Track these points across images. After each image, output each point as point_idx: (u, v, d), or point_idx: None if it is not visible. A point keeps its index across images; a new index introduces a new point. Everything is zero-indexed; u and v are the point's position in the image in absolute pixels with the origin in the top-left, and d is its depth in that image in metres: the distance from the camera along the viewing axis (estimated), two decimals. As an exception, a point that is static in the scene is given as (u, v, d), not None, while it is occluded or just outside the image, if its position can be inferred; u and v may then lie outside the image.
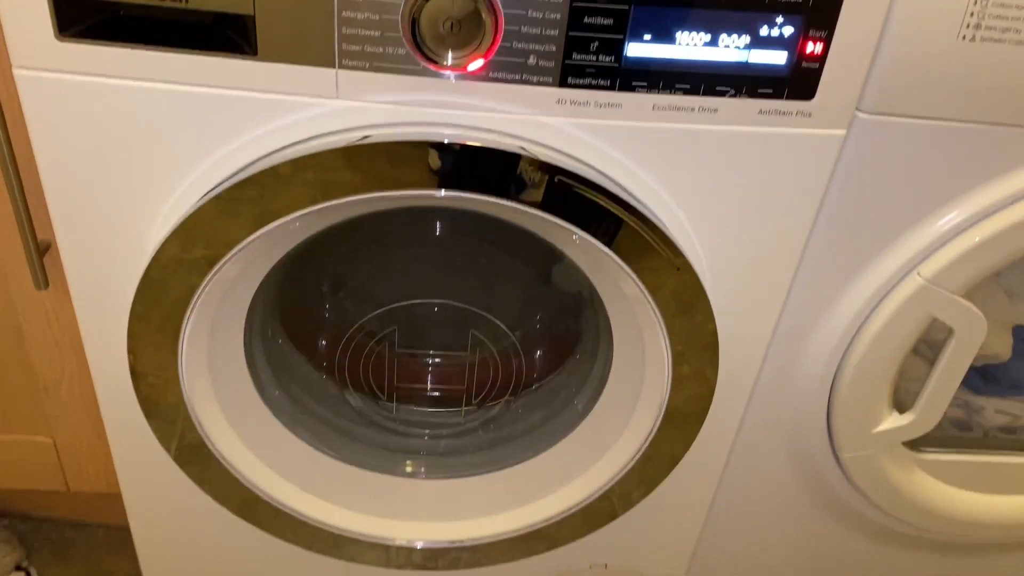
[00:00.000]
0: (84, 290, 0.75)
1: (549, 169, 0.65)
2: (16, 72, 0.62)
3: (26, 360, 0.92)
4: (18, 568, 1.14)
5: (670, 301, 0.72)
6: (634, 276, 0.70)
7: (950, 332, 0.78)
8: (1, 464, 1.02)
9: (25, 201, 0.77)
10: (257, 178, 0.64)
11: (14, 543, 1.14)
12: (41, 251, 0.81)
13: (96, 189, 0.68)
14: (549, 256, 0.85)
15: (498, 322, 0.89)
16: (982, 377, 0.98)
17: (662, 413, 0.79)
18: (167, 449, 0.81)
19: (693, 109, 0.64)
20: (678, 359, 0.76)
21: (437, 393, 0.94)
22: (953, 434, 0.96)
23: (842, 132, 0.67)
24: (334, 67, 0.61)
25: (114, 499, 0.94)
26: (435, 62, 0.61)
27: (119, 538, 1.20)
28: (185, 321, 0.72)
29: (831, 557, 1.03)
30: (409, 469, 0.90)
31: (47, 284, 0.82)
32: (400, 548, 0.89)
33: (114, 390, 0.82)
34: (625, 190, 0.68)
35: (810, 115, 0.65)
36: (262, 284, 0.78)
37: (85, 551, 1.19)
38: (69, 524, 1.22)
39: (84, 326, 0.77)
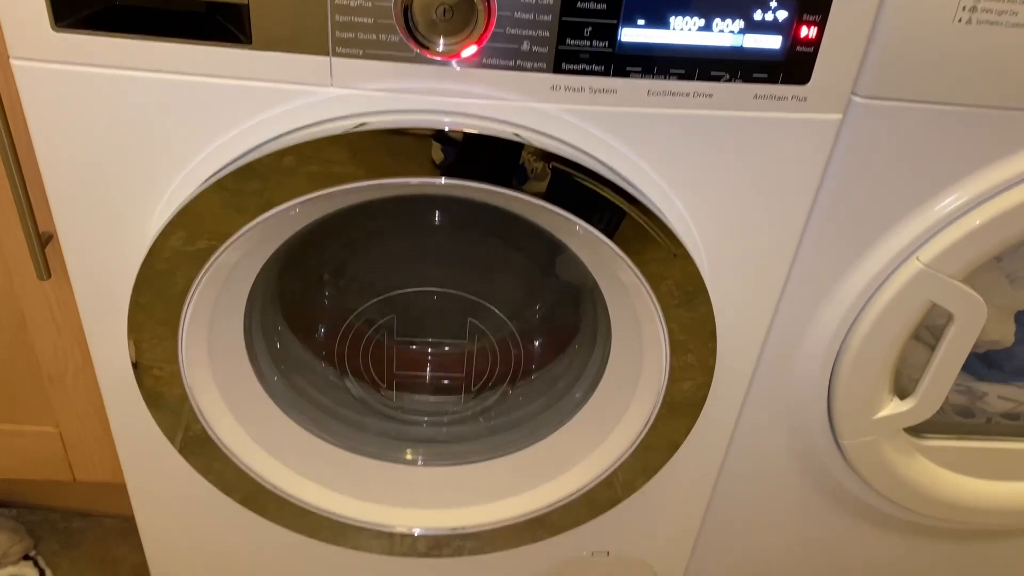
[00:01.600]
0: (85, 281, 0.75)
1: (546, 156, 0.65)
2: (13, 63, 0.63)
3: (31, 350, 0.93)
4: (26, 557, 1.15)
5: (667, 289, 0.72)
6: (630, 263, 0.70)
7: (950, 317, 0.78)
8: (7, 454, 1.03)
9: (26, 192, 0.77)
10: (254, 166, 0.64)
11: (22, 533, 1.15)
12: (43, 242, 0.81)
13: (95, 179, 0.69)
14: (549, 247, 0.85)
15: (497, 311, 0.89)
16: (984, 363, 0.98)
17: (660, 401, 0.79)
18: (172, 441, 0.82)
19: (688, 94, 0.64)
20: (676, 347, 0.76)
21: (436, 382, 0.94)
22: (955, 420, 0.95)
23: (838, 116, 0.66)
24: (328, 55, 0.61)
25: (120, 489, 0.95)
26: (428, 49, 0.61)
27: (126, 528, 1.21)
28: (184, 311, 0.72)
29: (833, 544, 1.03)
30: (410, 457, 0.91)
31: (49, 274, 0.83)
32: (404, 536, 0.89)
33: (117, 382, 0.82)
34: (622, 177, 0.68)
35: (805, 99, 0.65)
36: (261, 274, 0.78)
37: (92, 541, 1.20)
38: (76, 514, 1.23)
39: (86, 317, 0.78)
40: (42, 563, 1.15)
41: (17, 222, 0.82)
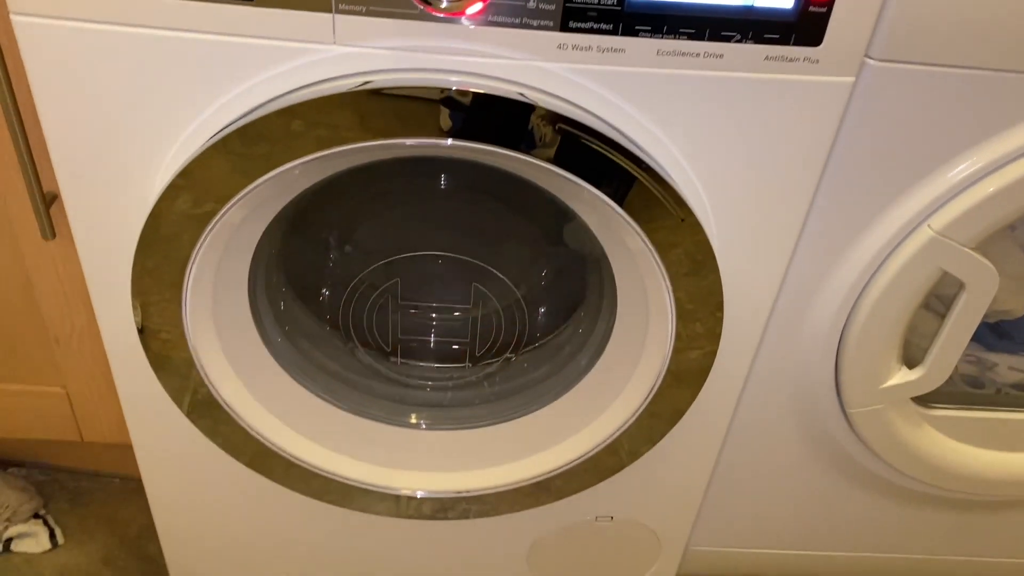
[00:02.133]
0: (89, 242, 0.75)
1: (554, 118, 0.64)
2: (14, 19, 0.62)
3: (37, 311, 0.93)
4: (36, 516, 1.16)
5: (676, 257, 0.72)
6: (639, 230, 0.69)
7: (961, 286, 0.77)
8: (16, 414, 1.04)
9: (30, 151, 0.77)
10: (255, 126, 0.64)
11: (32, 492, 1.17)
12: (48, 202, 0.81)
13: (97, 138, 0.68)
14: (557, 214, 0.84)
15: (502, 277, 0.89)
16: (996, 333, 0.97)
17: (665, 368, 0.79)
18: (179, 405, 0.82)
19: (698, 55, 0.63)
20: (683, 315, 0.75)
21: (441, 347, 0.94)
22: (964, 391, 0.95)
23: (851, 79, 0.65)
24: (331, 11, 0.60)
25: (129, 450, 0.95)
26: (433, 5, 0.60)
27: (134, 488, 1.22)
28: (187, 273, 0.72)
29: (837, 512, 1.03)
30: (415, 420, 0.91)
31: (54, 234, 0.83)
32: (410, 499, 0.89)
33: (123, 345, 0.82)
34: (632, 141, 0.67)
35: (818, 61, 0.64)
36: (265, 238, 0.78)
37: (101, 501, 1.21)
38: (85, 474, 1.24)
39: (90, 278, 0.78)
40: (51, 521, 1.16)
41: (22, 182, 0.82)
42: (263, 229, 0.76)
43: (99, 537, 1.16)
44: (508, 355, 0.94)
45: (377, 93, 0.63)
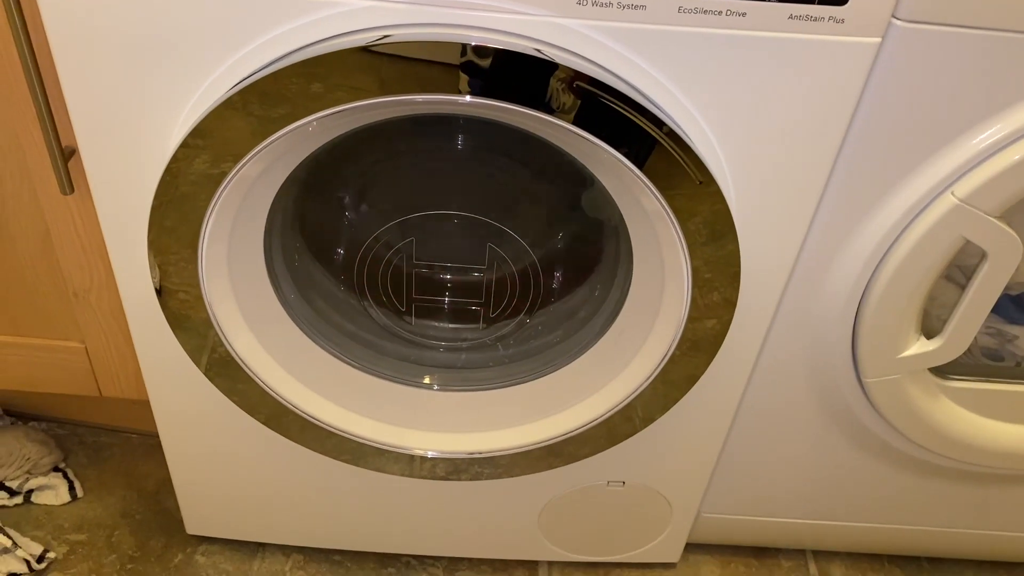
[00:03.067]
0: (107, 196, 0.75)
1: (573, 76, 0.63)
2: (32, -31, 0.62)
3: (56, 266, 0.94)
4: (56, 469, 1.18)
5: (695, 226, 0.71)
6: (658, 195, 0.69)
7: (983, 255, 0.76)
8: (35, 367, 1.05)
9: (48, 105, 0.77)
10: (272, 80, 0.63)
11: (51, 446, 1.18)
12: (66, 156, 0.81)
13: (115, 92, 0.68)
14: (575, 178, 0.84)
15: (518, 238, 0.88)
16: (1017, 306, 0.95)
17: (680, 334, 0.78)
18: (197, 363, 0.83)
19: (720, 12, 0.62)
20: (698, 282, 0.75)
21: (455, 308, 0.94)
22: (983, 363, 0.94)
23: (877, 40, 0.64)
24: (348, -36, 0.60)
25: (147, 406, 0.96)
26: (451, -41, 0.59)
27: (152, 444, 1.23)
28: (203, 232, 0.72)
29: (851, 482, 1.03)
30: (428, 381, 0.91)
31: (72, 189, 0.83)
32: (423, 460, 0.90)
33: (141, 303, 0.83)
34: (649, 99, 0.66)
35: (843, 21, 0.62)
36: (280, 197, 0.77)
37: (119, 456, 1.23)
38: (104, 429, 1.25)
39: (108, 233, 0.78)
40: (71, 475, 1.18)
41: (41, 136, 0.82)
42: (278, 188, 0.76)
43: (117, 491, 1.18)
44: (522, 317, 0.94)
45: (394, 48, 0.62)
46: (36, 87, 0.76)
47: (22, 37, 0.73)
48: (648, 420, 0.87)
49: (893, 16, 0.63)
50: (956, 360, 0.85)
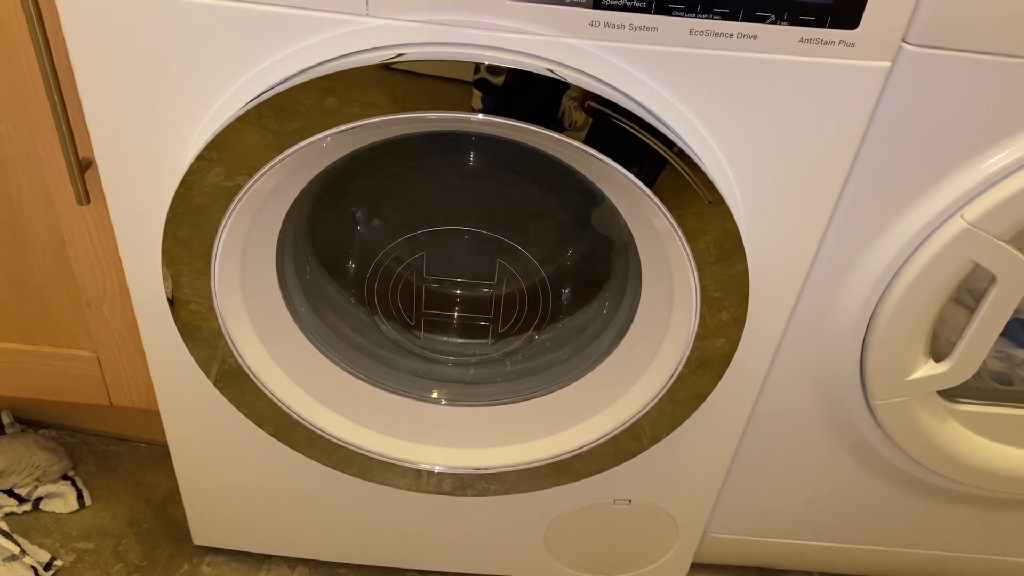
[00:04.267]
0: (122, 208, 0.76)
1: (585, 96, 0.64)
2: (54, -18, 0.63)
3: (70, 274, 0.95)
4: (64, 477, 1.19)
5: (704, 245, 0.71)
6: (668, 215, 0.69)
7: (992, 279, 0.76)
8: (47, 375, 1.06)
9: (67, 115, 0.78)
10: (287, 95, 0.64)
11: (61, 453, 1.19)
12: (83, 167, 0.82)
13: (133, 105, 0.69)
14: (585, 196, 0.84)
15: (528, 254, 0.89)
16: (1027, 330, 0.95)
17: (688, 353, 0.78)
18: (207, 374, 0.83)
19: (731, 35, 0.62)
20: (707, 301, 0.75)
21: (464, 323, 0.95)
22: (991, 386, 0.93)
23: (887, 64, 0.64)
24: (365, -18, 0.61)
25: (157, 416, 0.97)
26: (466, -21, 0.60)
27: (161, 454, 1.24)
28: (216, 244, 0.73)
29: (858, 505, 1.02)
30: (436, 395, 0.91)
31: (88, 199, 0.84)
32: (430, 475, 0.90)
33: (153, 313, 0.83)
34: (660, 120, 0.66)
35: (853, 45, 0.63)
36: (293, 211, 0.78)
37: (128, 465, 1.23)
38: (114, 438, 1.26)
39: (122, 244, 0.79)
40: (79, 483, 1.19)
41: (59, 147, 0.83)
42: (291, 202, 0.77)
43: (125, 500, 1.19)
44: (531, 333, 0.94)
45: (409, 66, 0.63)
46: (55, 99, 0.77)
47: (43, 50, 0.74)
48: (655, 438, 0.87)
49: (903, 40, 0.63)
50: (965, 383, 0.84)
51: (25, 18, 0.73)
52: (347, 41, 0.64)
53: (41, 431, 1.23)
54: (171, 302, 0.78)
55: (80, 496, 1.17)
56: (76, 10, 0.64)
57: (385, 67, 0.63)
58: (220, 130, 0.66)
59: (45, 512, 1.16)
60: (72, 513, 1.16)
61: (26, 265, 0.95)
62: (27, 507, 1.15)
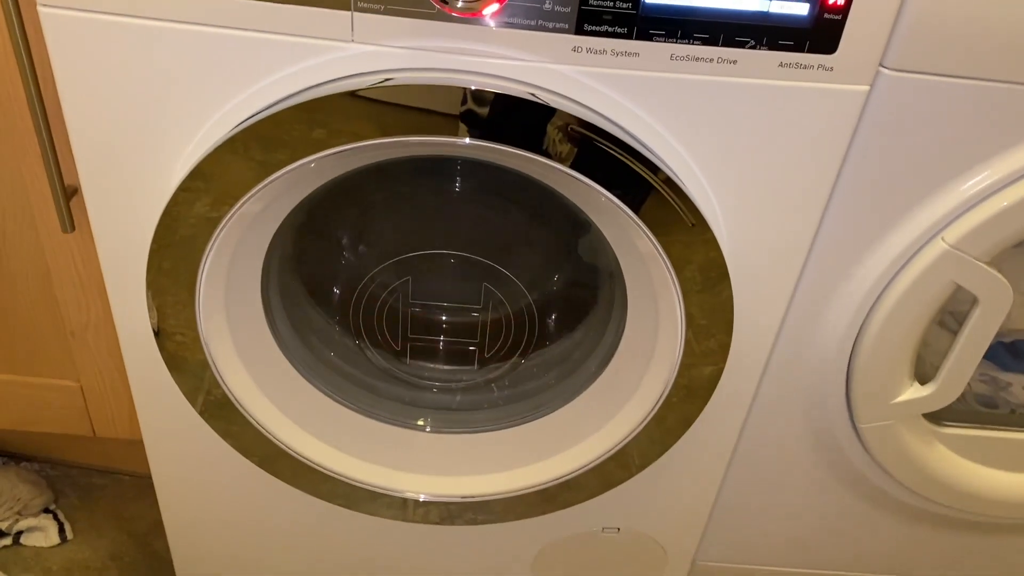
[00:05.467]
0: (107, 235, 0.76)
1: (569, 120, 0.64)
2: (41, 10, 0.63)
3: (54, 303, 0.95)
4: (46, 511, 1.17)
5: (686, 267, 0.72)
6: (655, 241, 0.70)
7: (974, 301, 0.77)
8: (30, 406, 1.05)
9: (52, 142, 0.78)
10: (272, 120, 0.64)
11: (43, 486, 1.18)
12: (68, 195, 0.82)
13: (118, 132, 0.69)
14: (571, 223, 0.85)
15: (514, 279, 0.89)
16: (1011, 353, 0.96)
17: (673, 379, 0.78)
18: (192, 404, 0.83)
19: (712, 60, 0.63)
20: (692, 324, 0.75)
21: (449, 348, 0.94)
22: (977, 409, 0.94)
23: (865, 88, 0.65)
24: (350, 9, 0.61)
25: (139, 447, 0.96)
26: (449, 5, 0.61)
27: (144, 486, 1.22)
28: (200, 274, 0.73)
29: (847, 529, 1.02)
30: (422, 423, 0.91)
31: (73, 227, 0.84)
32: (416, 505, 0.89)
33: (138, 342, 0.83)
34: (643, 144, 0.67)
35: (832, 69, 0.64)
36: (278, 237, 0.78)
37: (111, 497, 1.22)
38: (96, 471, 1.25)
39: (108, 273, 0.79)
40: (61, 516, 1.17)
41: (44, 174, 0.83)
42: (275, 229, 0.77)
43: (107, 533, 1.17)
44: (517, 359, 0.94)
45: (396, 91, 0.64)
46: (40, 125, 0.77)
47: (29, 77, 0.74)
48: (643, 465, 0.87)
49: (881, 65, 0.64)
50: (950, 406, 0.85)
51: (12, 45, 0.73)
52: (332, 67, 0.65)
53: (23, 464, 1.22)
54: (156, 333, 0.78)
55: (62, 529, 1.16)
56: (62, 37, 0.64)
57: (371, 92, 0.64)
58: (202, 159, 0.67)
59: (26, 546, 1.14)
60: (53, 547, 1.15)
61: (10, 294, 0.94)
62: (7, 541, 1.14)
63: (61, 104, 0.68)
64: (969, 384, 0.84)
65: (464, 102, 0.64)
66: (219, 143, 0.66)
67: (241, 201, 0.68)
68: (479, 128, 0.65)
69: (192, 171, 0.67)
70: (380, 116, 0.64)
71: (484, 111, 0.64)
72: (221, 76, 0.66)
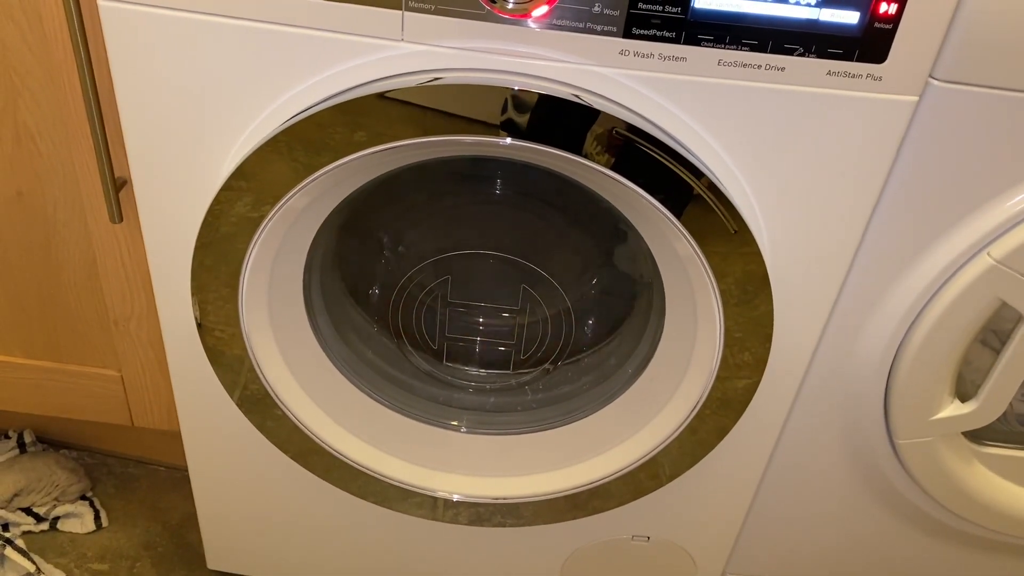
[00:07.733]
0: (154, 228, 0.77)
1: (614, 123, 0.64)
2: (100, 3, 0.65)
3: (99, 293, 0.96)
4: (83, 498, 1.19)
5: (726, 287, 0.71)
6: (697, 249, 0.69)
7: (1020, 318, 0.76)
8: (70, 393, 1.07)
9: (104, 134, 0.80)
10: (318, 118, 0.65)
11: (80, 474, 1.19)
12: (118, 186, 0.84)
13: (170, 125, 0.71)
14: (612, 231, 0.85)
15: (554, 283, 0.89)
16: (1054, 374, 0.94)
17: (708, 389, 0.78)
18: (231, 395, 0.84)
19: (759, 67, 0.63)
20: (730, 341, 0.75)
21: (486, 350, 0.95)
22: (1019, 430, 0.92)
23: (914, 99, 0.65)
24: (401, 8, 0.62)
25: (176, 439, 0.97)
26: (499, 6, 0.61)
27: (179, 478, 1.24)
28: (243, 270, 0.74)
29: (880, 547, 1.00)
30: (456, 423, 0.91)
31: (121, 218, 0.85)
32: (447, 504, 0.90)
33: (181, 334, 0.84)
34: (688, 150, 0.67)
35: (881, 79, 0.63)
36: (320, 235, 0.79)
37: (146, 487, 1.23)
38: (133, 461, 1.26)
39: (153, 264, 0.80)
40: (97, 504, 1.19)
41: (95, 165, 0.85)
42: (317, 227, 0.78)
43: (141, 522, 1.19)
44: (551, 363, 0.94)
45: (438, 91, 0.64)
46: (94, 117, 0.79)
47: (86, 71, 0.76)
48: (673, 475, 0.86)
49: (931, 75, 0.64)
50: (991, 426, 0.83)
51: (71, 40, 0.75)
52: (382, 66, 0.66)
53: (62, 451, 1.24)
54: (199, 327, 0.79)
55: (97, 517, 1.17)
56: (121, 31, 0.66)
57: (417, 91, 0.64)
58: (246, 157, 0.68)
59: (62, 532, 1.16)
60: (89, 534, 1.16)
61: (57, 283, 0.96)
62: (44, 526, 1.16)
63: (116, 97, 0.70)
64: (1011, 404, 0.83)
65: (507, 104, 0.64)
66: (263, 142, 0.67)
67: (285, 197, 0.69)
68: (523, 129, 0.65)
69: (236, 171, 0.68)
70: (423, 117, 0.65)
71: (528, 112, 0.65)
72: (271, 73, 0.67)
